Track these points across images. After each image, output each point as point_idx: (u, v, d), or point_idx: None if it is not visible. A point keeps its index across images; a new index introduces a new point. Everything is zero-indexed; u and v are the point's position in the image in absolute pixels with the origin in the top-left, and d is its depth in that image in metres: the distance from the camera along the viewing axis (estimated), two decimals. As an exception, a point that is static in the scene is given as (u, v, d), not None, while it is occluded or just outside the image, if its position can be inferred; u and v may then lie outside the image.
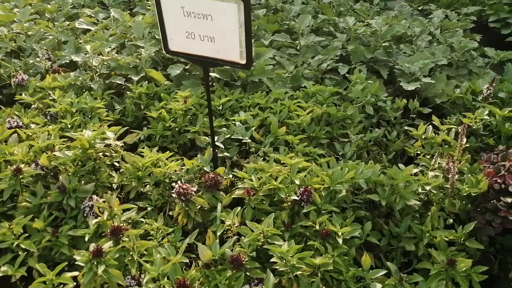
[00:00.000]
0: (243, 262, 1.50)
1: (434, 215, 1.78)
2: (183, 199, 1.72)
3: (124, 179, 1.93)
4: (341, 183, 1.77)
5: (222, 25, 1.55)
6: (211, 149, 1.99)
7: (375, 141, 2.36)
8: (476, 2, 5.05)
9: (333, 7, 3.80)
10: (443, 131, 2.21)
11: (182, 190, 1.71)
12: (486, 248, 1.88)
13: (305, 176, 1.83)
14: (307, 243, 1.64)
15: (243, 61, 1.60)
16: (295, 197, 1.72)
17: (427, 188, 1.85)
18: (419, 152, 2.16)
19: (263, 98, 2.47)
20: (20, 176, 1.78)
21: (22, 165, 1.80)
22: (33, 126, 2.22)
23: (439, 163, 1.96)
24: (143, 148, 2.08)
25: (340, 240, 1.58)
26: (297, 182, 1.77)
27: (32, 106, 2.43)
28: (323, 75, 2.81)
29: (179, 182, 1.76)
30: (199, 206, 1.77)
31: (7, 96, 2.77)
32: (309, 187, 1.73)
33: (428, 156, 2.10)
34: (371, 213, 1.89)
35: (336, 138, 2.32)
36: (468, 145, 2.12)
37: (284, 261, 1.50)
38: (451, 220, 1.84)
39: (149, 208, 1.86)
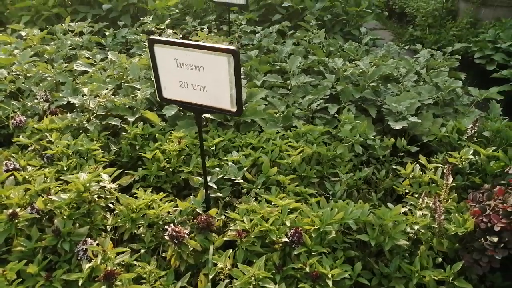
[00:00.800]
0: (235, 306, 1.52)
1: (423, 255, 1.82)
2: (176, 241, 1.75)
3: (119, 220, 1.96)
4: (331, 224, 1.81)
5: (213, 76, 1.64)
6: (204, 190, 2.03)
7: (365, 180, 2.41)
8: (461, 39, 5.25)
9: (323, 47, 3.95)
10: (430, 170, 2.27)
11: (174, 233, 1.74)
12: (477, 286, 1.90)
13: (296, 217, 1.87)
14: (298, 285, 1.66)
15: (234, 109, 1.67)
16: (286, 239, 1.75)
17: (415, 227, 1.89)
18: (407, 191, 2.22)
19: (255, 138, 2.53)
20: (16, 220, 1.81)
21: (18, 209, 1.83)
22: (29, 168, 2.26)
23: (426, 202, 2.01)
24: (138, 188, 2.12)
25: (330, 283, 1.60)
26: (288, 223, 1.81)
27: (29, 148, 2.48)
28: (314, 114, 2.90)
29: (171, 225, 1.79)
30: (192, 248, 1.80)
31: (5, 136, 2.82)
32: (299, 229, 1.77)
33: (416, 195, 2.15)
34: (362, 252, 1.91)
35: (327, 177, 2.37)
36: (454, 184, 2.17)
37: (275, 304, 1.52)
38: (440, 259, 1.86)
39: (142, 250, 1.88)
